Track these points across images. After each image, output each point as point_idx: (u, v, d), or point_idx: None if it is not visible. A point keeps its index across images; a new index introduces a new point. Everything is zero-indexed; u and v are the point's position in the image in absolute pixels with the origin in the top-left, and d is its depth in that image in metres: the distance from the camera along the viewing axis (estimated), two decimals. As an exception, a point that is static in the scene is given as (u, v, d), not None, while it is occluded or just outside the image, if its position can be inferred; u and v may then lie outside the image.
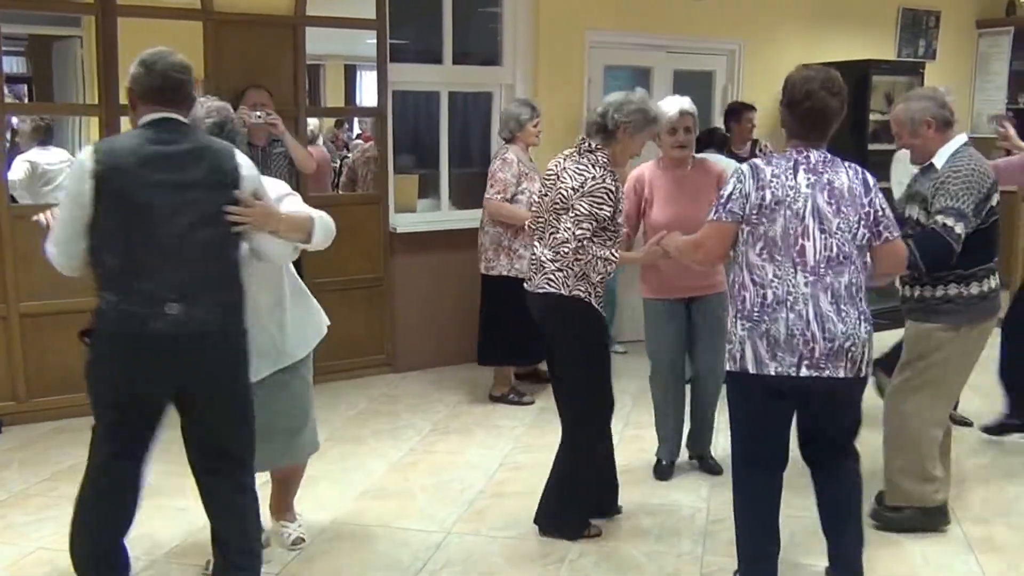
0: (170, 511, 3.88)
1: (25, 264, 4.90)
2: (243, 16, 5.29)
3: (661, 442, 4.34)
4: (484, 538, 3.69)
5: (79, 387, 4.96)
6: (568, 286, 3.50)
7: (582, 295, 3.50)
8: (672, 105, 4.09)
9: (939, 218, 3.41)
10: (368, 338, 5.92)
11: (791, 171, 2.93)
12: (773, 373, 2.93)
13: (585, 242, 3.42)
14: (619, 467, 3.90)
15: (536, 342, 4.46)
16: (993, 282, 3.62)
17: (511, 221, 5.23)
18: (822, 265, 2.90)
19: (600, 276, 3.50)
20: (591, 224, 3.44)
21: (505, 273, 5.29)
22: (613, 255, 3.48)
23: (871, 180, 2.98)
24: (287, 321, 3.27)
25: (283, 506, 3.67)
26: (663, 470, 4.32)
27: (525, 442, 4.80)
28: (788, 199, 2.91)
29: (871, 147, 6.97)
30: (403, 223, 5.99)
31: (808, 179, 2.92)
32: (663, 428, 4.31)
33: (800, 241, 2.90)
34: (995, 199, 3.58)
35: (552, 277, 3.52)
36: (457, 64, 6.18)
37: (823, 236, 2.90)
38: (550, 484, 3.73)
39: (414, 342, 6.05)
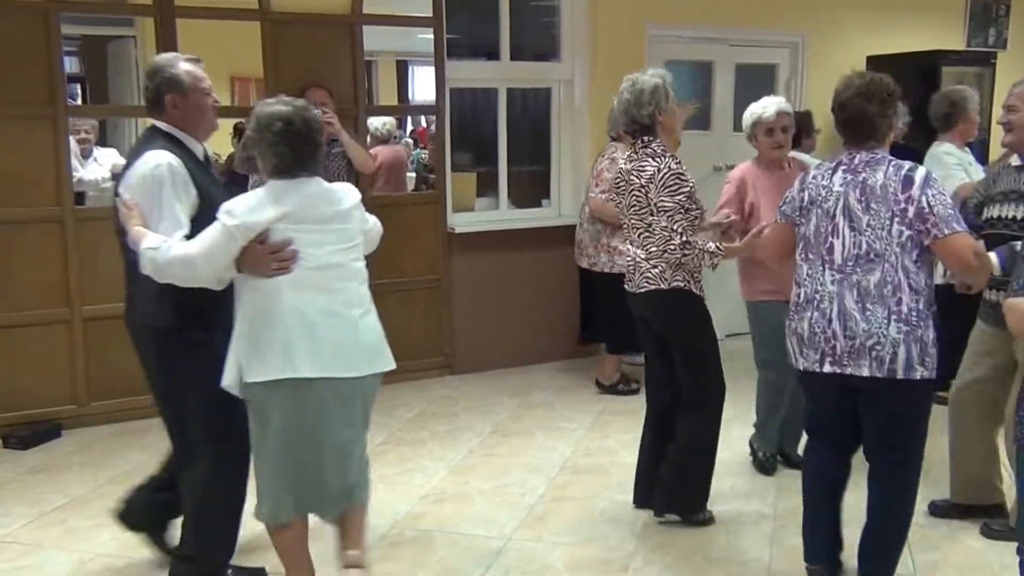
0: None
1: (90, 267, 4.95)
2: (300, 16, 5.29)
3: (767, 440, 4.35)
4: (546, 544, 3.63)
5: (139, 390, 5.06)
6: (667, 279, 3.57)
7: (682, 285, 3.57)
8: (769, 106, 4.09)
9: None
10: (427, 339, 5.88)
11: (829, 172, 3.04)
12: (802, 368, 3.08)
13: (688, 236, 3.50)
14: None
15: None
16: None
17: (613, 221, 5.14)
18: (850, 263, 2.95)
19: (698, 265, 3.58)
20: (682, 215, 3.51)
21: (607, 270, 5.32)
22: (719, 248, 3.54)
23: (919, 178, 2.89)
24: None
25: None
26: (765, 463, 4.32)
27: (586, 445, 4.73)
28: (820, 198, 3.02)
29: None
30: (461, 223, 5.94)
31: (844, 179, 2.99)
32: (770, 428, 4.31)
33: (829, 239, 2.99)
34: None
35: (650, 275, 3.59)
36: (514, 60, 6.12)
37: (853, 234, 2.95)
38: (671, 468, 3.76)
39: (473, 343, 5.99)
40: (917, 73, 6.83)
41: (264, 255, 2.79)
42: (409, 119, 9.50)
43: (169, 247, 2.79)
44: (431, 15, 5.65)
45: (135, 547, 3.60)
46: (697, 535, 3.68)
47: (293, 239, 2.80)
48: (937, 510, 3.83)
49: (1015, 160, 3.53)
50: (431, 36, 5.69)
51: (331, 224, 2.88)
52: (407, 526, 3.79)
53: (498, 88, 6.09)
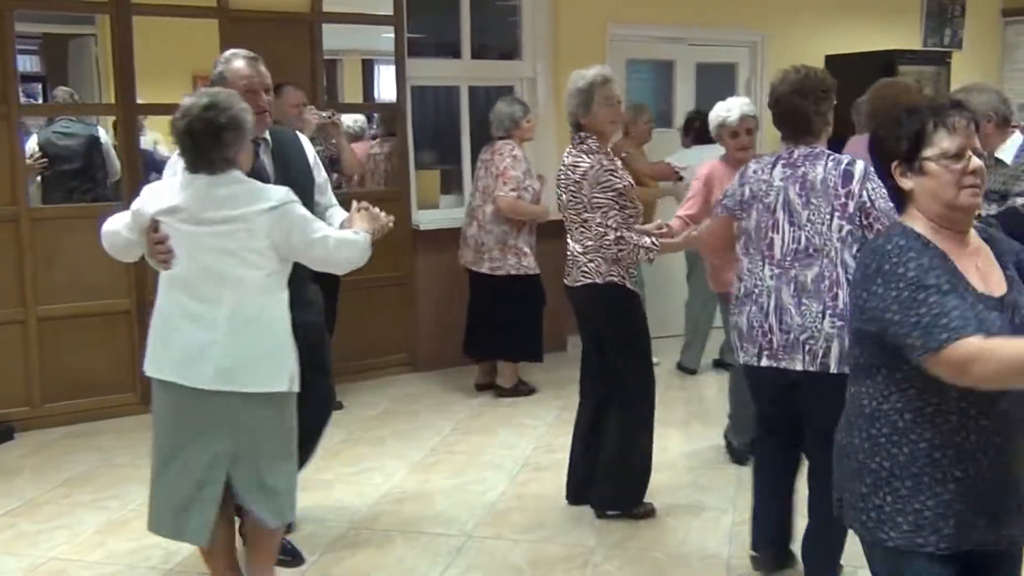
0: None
1: (45, 267, 4.89)
2: (259, 14, 5.26)
3: (740, 430, 4.35)
4: (507, 542, 3.63)
5: (95, 391, 5.04)
6: (602, 274, 3.63)
7: (616, 279, 3.63)
8: (733, 109, 4.17)
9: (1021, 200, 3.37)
10: (391, 337, 5.86)
11: (769, 167, 3.07)
12: (742, 362, 3.13)
13: (623, 232, 3.56)
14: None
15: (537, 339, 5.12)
16: None
17: (527, 218, 5.19)
18: (788, 258, 2.98)
19: (634, 261, 3.64)
20: (616, 211, 3.58)
21: (514, 272, 5.23)
22: (654, 243, 3.60)
23: (859, 173, 2.90)
24: None
25: None
26: (740, 453, 4.37)
27: (547, 441, 4.74)
28: (761, 193, 3.05)
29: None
30: (426, 220, 5.93)
31: (784, 173, 3.02)
32: (743, 418, 4.26)
33: (769, 234, 3.02)
34: None
35: (586, 269, 3.66)
36: (476, 58, 6.14)
37: (792, 229, 2.98)
38: (607, 464, 3.81)
39: (437, 341, 5.98)
40: (874, 72, 6.91)
41: (150, 245, 2.79)
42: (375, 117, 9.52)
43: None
44: (392, 13, 5.65)
45: (88, 550, 3.58)
46: (657, 530, 3.70)
47: (171, 235, 2.75)
48: None
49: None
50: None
51: (214, 227, 2.72)
52: (365, 526, 3.77)
53: (460, 86, 6.10)
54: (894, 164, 1.97)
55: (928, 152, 1.92)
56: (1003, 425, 1.90)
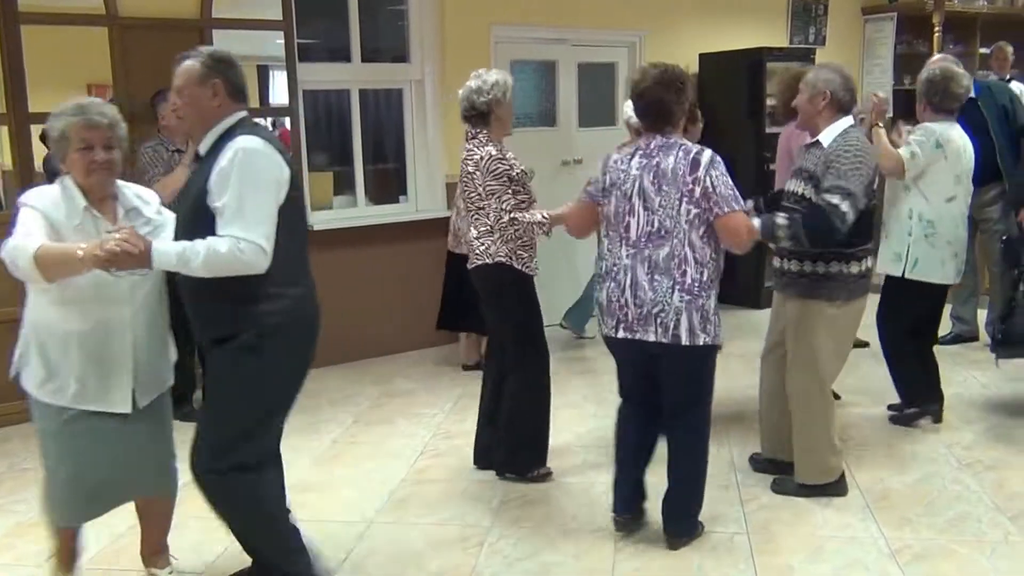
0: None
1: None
2: (149, 20, 5.29)
3: None
4: (406, 526, 3.81)
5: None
6: (491, 255, 3.92)
7: (504, 260, 3.92)
8: None
9: (827, 196, 3.49)
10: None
11: (628, 157, 3.33)
12: (604, 334, 3.43)
13: (516, 214, 3.84)
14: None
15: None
16: (870, 262, 3.81)
17: None
18: (643, 239, 3.26)
19: (524, 241, 3.90)
20: (509, 195, 3.85)
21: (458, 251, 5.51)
22: (544, 216, 3.87)
23: (705, 161, 3.20)
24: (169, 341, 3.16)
25: (157, 548, 3.34)
26: None
27: (445, 429, 4.95)
28: (619, 181, 3.32)
29: (768, 130, 7.19)
30: (320, 220, 6.07)
31: (640, 163, 3.29)
32: None
33: (626, 218, 3.29)
34: (875, 182, 3.75)
35: (479, 252, 3.97)
36: (367, 62, 6.28)
37: (646, 213, 3.25)
38: (502, 431, 4.12)
39: (334, 337, 6.03)
40: (744, 68, 7.34)
41: None
42: (270, 121, 9.49)
43: None
44: (281, 18, 5.74)
45: None
46: (550, 508, 3.92)
47: None
48: (756, 465, 4.22)
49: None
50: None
51: None
52: (273, 516, 3.91)
53: (351, 89, 6.24)
54: None
55: None
56: None
